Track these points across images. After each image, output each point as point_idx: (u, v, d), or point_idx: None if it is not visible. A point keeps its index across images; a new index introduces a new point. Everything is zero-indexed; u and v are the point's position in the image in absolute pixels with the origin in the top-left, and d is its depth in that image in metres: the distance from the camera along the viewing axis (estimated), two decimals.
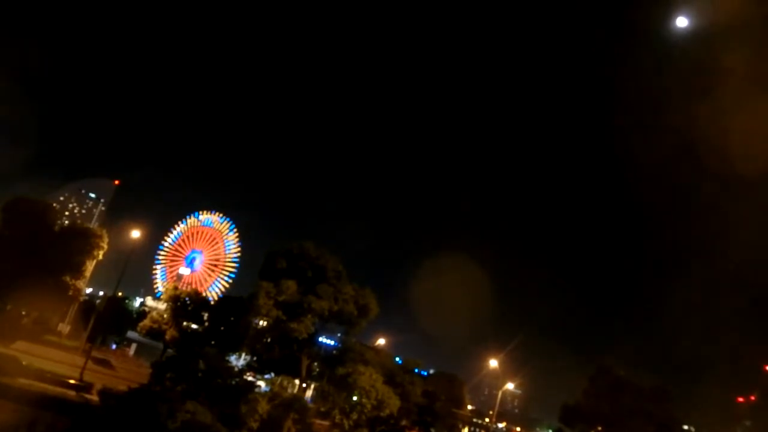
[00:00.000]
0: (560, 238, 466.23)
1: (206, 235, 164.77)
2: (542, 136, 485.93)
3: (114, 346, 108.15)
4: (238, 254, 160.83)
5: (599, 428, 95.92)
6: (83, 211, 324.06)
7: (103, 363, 74.38)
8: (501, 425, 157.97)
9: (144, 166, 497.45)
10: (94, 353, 71.56)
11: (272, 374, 61.66)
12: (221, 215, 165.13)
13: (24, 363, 51.16)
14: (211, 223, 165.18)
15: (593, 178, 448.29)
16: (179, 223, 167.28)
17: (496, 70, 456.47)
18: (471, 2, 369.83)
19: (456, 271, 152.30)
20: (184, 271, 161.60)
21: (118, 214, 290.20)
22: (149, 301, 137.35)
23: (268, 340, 56.21)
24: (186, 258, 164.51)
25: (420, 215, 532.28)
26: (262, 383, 68.04)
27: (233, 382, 48.38)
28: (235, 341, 56.47)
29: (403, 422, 61.92)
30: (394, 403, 51.89)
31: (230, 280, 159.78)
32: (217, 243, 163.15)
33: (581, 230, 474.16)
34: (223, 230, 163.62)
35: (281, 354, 55.30)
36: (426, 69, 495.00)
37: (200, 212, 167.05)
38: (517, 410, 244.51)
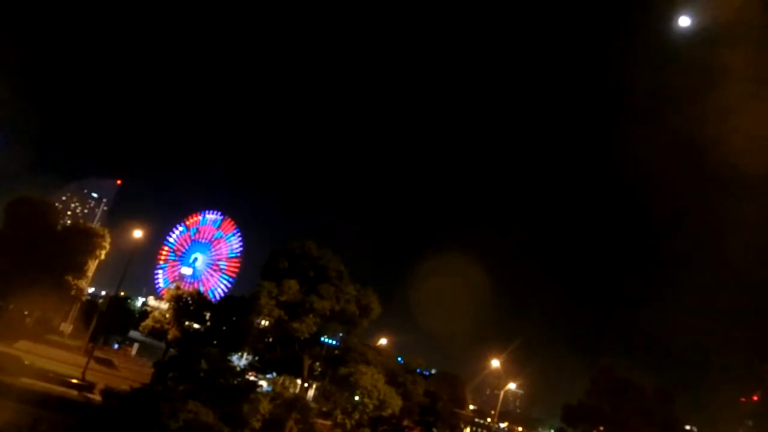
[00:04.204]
0: (561, 237, 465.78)
1: (208, 234, 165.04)
2: (543, 135, 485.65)
3: (116, 346, 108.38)
4: (240, 254, 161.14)
5: (601, 428, 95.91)
6: (85, 211, 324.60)
7: (106, 363, 74.54)
8: (503, 425, 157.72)
9: (146, 166, 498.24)
10: (97, 353, 71.70)
11: (274, 374, 61.67)
12: (223, 215, 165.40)
13: (26, 362, 51.27)
14: (213, 222, 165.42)
15: (593, 178, 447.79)
16: (181, 222, 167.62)
17: (497, 69, 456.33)
18: (473, 1, 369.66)
19: (458, 271, 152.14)
20: (186, 270, 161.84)
21: (120, 213, 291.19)
22: (151, 301, 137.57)
23: (270, 339, 56.19)
24: (188, 258, 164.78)
25: (422, 215, 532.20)
26: (264, 383, 68.08)
27: (235, 382, 48.37)
28: (237, 341, 56.40)
29: (405, 422, 61.87)
30: (396, 403, 51.83)
31: (232, 280, 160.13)
32: (219, 243, 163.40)
33: (582, 230, 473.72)
34: (225, 230, 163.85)
35: (283, 354, 55.28)
36: (427, 68, 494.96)
37: (202, 212, 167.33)
38: (519, 410, 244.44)
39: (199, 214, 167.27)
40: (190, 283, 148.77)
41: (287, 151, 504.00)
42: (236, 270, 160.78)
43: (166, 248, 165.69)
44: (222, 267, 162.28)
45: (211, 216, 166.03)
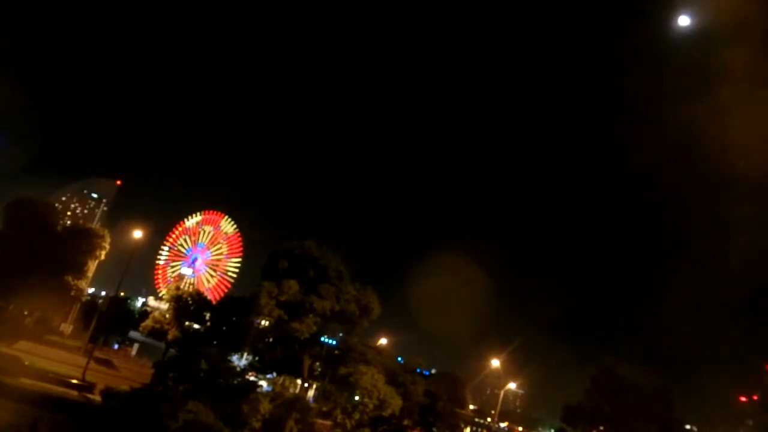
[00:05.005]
0: (560, 237, 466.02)
1: (208, 234, 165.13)
2: (542, 135, 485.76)
3: (116, 346, 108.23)
4: (240, 254, 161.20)
5: (601, 428, 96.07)
6: (85, 212, 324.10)
7: (106, 363, 74.41)
8: (503, 425, 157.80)
9: (146, 166, 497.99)
10: (97, 353, 71.60)
11: (274, 374, 61.75)
12: (223, 215, 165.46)
13: (26, 363, 51.26)
14: (213, 223, 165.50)
15: (593, 177, 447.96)
16: (181, 223, 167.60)
17: (496, 68, 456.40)
18: (472, 1, 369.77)
19: (457, 270, 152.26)
20: (186, 271, 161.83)
21: (120, 213, 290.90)
22: (151, 301, 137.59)
23: (270, 339, 56.24)
24: (188, 258, 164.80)
25: (421, 215, 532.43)
26: (264, 383, 68.11)
27: (235, 382, 48.45)
28: (237, 341, 56.40)
29: (405, 422, 61.95)
30: (396, 403, 51.89)
31: (232, 280, 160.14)
32: (219, 243, 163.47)
33: (581, 229, 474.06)
34: (225, 230, 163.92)
35: (283, 354, 55.33)
36: (426, 69, 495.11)
37: (202, 212, 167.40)
38: (519, 410, 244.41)
39: (199, 214, 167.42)
40: (190, 283, 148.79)
41: (287, 151, 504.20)
42: (236, 270, 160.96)
43: (165, 248, 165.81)
44: (222, 267, 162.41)
45: (211, 216, 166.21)
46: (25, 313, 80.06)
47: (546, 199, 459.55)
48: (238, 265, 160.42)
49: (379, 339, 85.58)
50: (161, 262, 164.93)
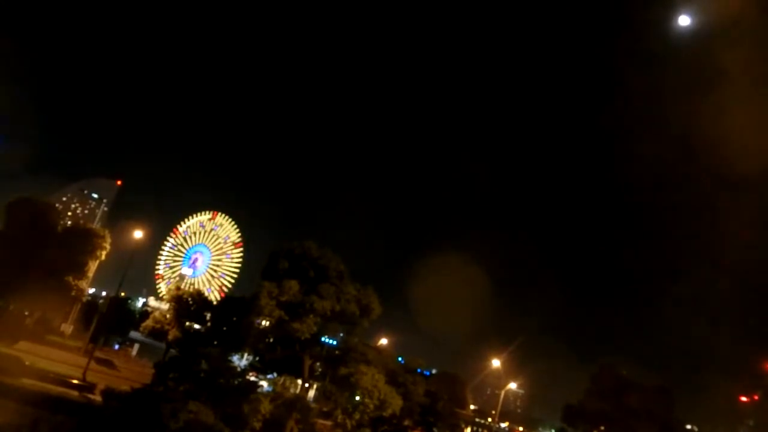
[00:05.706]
0: (561, 237, 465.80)
1: (208, 235, 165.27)
2: (542, 134, 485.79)
3: (117, 347, 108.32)
4: (241, 254, 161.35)
5: (602, 428, 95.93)
6: (86, 212, 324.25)
7: (106, 363, 74.44)
8: (504, 425, 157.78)
9: (146, 165, 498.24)
10: (97, 353, 71.65)
11: (274, 374, 61.64)
12: (224, 215, 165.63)
13: (27, 363, 51.30)
14: (213, 223, 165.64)
15: (594, 177, 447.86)
16: (182, 223, 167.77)
17: (497, 67, 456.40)
18: (474, 0, 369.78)
19: (458, 270, 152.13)
20: (186, 271, 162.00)
21: (120, 214, 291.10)
22: (152, 301, 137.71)
23: (271, 340, 56.19)
24: (188, 258, 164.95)
25: (421, 215, 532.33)
26: (264, 383, 68.10)
27: (236, 382, 48.43)
28: (237, 341, 56.41)
29: (406, 422, 61.86)
30: (396, 403, 51.82)
31: (233, 280, 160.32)
32: (219, 243, 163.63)
33: (582, 229, 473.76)
34: (225, 230, 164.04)
35: (283, 354, 55.27)
36: (427, 66, 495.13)
37: (203, 212, 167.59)
38: (519, 410, 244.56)
39: (199, 214, 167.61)
40: (190, 283, 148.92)
41: (288, 151, 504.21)
42: (236, 270, 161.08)
43: (166, 249, 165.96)
44: (222, 267, 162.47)
45: (211, 216, 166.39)
46: (26, 313, 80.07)
47: (546, 198, 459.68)
48: (239, 265, 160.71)
49: (379, 339, 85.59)
50: (162, 262, 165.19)
